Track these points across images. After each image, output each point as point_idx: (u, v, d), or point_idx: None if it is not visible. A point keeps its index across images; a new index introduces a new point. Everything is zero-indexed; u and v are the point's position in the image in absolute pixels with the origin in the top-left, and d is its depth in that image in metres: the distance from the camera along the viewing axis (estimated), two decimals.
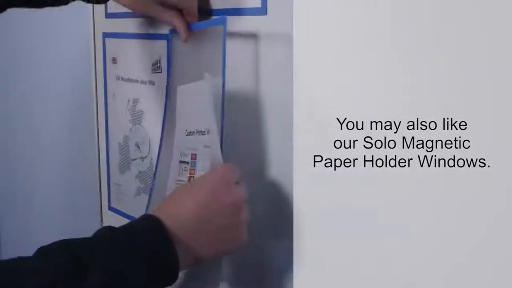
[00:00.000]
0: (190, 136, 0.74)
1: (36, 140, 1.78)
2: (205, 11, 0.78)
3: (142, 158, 0.96)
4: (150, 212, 0.64)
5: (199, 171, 0.72)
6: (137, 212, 0.99)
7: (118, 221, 1.04)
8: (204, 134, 0.71)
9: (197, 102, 0.72)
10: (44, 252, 0.56)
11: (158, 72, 0.89)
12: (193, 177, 0.73)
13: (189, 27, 0.76)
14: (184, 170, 0.75)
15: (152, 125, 0.93)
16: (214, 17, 0.77)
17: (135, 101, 0.96)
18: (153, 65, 0.90)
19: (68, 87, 1.60)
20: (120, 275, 0.56)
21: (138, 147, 0.97)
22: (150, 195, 0.85)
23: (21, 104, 1.82)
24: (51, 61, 1.65)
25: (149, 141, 0.94)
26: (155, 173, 0.84)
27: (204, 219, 0.62)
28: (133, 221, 0.63)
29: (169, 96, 0.82)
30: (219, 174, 0.65)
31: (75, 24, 1.39)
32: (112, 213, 1.07)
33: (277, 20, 0.69)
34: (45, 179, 1.77)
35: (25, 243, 1.87)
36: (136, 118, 0.96)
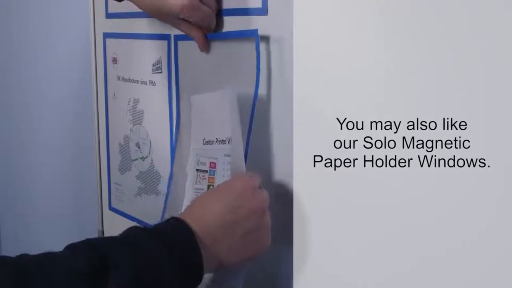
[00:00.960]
0: (209, 145, 0.75)
1: (36, 141, 1.78)
2: None
3: (143, 158, 0.96)
4: (177, 215, 0.64)
5: (219, 180, 0.73)
6: (138, 212, 0.99)
7: (118, 221, 1.05)
8: (225, 143, 0.72)
9: (219, 111, 0.73)
10: (72, 249, 0.57)
11: (159, 72, 0.90)
12: (213, 185, 0.74)
13: (206, 37, 0.78)
14: (203, 178, 0.76)
15: (153, 125, 0.93)
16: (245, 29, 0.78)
17: (136, 101, 0.96)
18: (153, 65, 0.91)
19: (68, 87, 1.60)
20: (144, 274, 0.56)
21: (139, 147, 0.97)
22: (165, 201, 0.86)
23: (21, 104, 1.82)
24: (51, 61, 1.65)
25: (150, 141, 0.94)
26: (170, 180, 0.85)
27: (231, 223, 0.63)
28: (160, 223, 0.63)
29: (180, 103, 0.83)
30: (244, 179, 0.66)
31: (75, 24, 1.40)
32: (112, 213, 1.07)
33: (277, 20, 0.70)
34: (45, 179, 1.77)
35: (25, 243, 1.87)
36: (137, 118, 0.96)
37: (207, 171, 0.75)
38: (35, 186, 1.82)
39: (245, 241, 0.64)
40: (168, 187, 0.89)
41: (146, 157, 0.96)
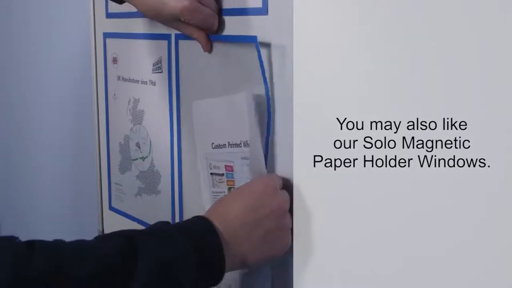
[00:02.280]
0: (219, 149, 0.76)
1: (36, 140, 1.78)
2: None
3: (143, 158, 0.96)
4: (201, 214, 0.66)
5: (240, 182, 0.74)
6: (138, 212, 1.00)
7: (118, 221, 1.05)
8: (240, 146, 0.73)
9: (229, 115, 0.74)
10: (102, 237, 0.60)
11: (159, 72, 0.90)
12: (234, 187, 0.76)
13: (209, 38, 0.78)
14: (220, 182, 0.77)
15: (153, 125, 0.93)
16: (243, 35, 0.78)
17: (136, 101, 0.96)
18: (153, 65, 0.91)
19: (68, 87, 1.60)
20: (170, 265, 0.58)
21: (139, 147, 0.97)
22: (181, 204, 0.88)
23: (21, 104, 1.82)
24: (51, 61, 1.65)
25: (150, 141, 0.94)
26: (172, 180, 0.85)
27: (253, 223, 0.65)
28: (185, 220, 0.65)
29: (180, 104, 0.84)
30: (266, 180, 0.68)
31: (75, 24, 1.40)
32: (112, 213, 1.07)
33: (277, 20, 0.70)
34: (45, 179, 1.77)
35: None
36: (137, 118, 0.96)
37: (223, 174, 0.77)
38: (35, 186, 1.82)
39: (266, 241, 0.65)
40: (172, 187, 0.89)
41: (146, 157, 0.96)
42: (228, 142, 0.75)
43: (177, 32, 0.81)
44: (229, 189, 0.76)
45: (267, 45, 0.71)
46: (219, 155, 0.77)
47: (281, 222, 0.66)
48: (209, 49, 0.78)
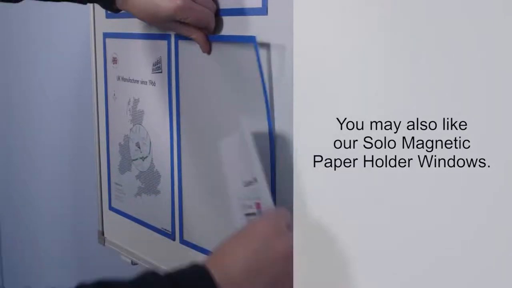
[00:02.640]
0: (248, 186, 0.73)
1: (36, 140, 1.78)
2: None
3: (143, 158, 0.96)
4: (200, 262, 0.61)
5: None
6: (138, 212, 1.00)
7: (118, 221, 1.05)
8: (252, 184, 0.71)
9: (242, 152, 0.72)
10: None
11: (159, 72, 0.90)
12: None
13: (208, 39, 0.77)
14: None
15: (153, 125, 0.93)
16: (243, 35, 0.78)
17: (136, 101, 0.96)
18: (153, 65, 0.91)
19: (68, 87, 1.60)
20: None
21: (139, 147, 0.97)
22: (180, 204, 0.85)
23: (21, 104, 1.82)
24: (51, 61, 1.65)
25: (150, 141, 0.94)
26: (180, 185, 0.84)
27: (254, 271, 0.60)
28: (180, 269, 0.59)
29: (180, 103, 0.83)
30: (271, 221, 0.63)
31: (75, 24, 1.40)
32: (112, 213, 1.07)
33: (277, 20, 0.70)
34: (45, 179, 1.77)
35: (25, 243, 1.87)
36: (137, 118, 0.96)
37: (255, 214, 0.73)
38: (35, 186, 1.82)
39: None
40: (172, 187, 0.89)
41: (146, 157, 0.96)
42: (255, 178, 0.72)
43: None
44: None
45: (267, 46, 0.71)
46: (248, 193, 0.72)
47: (285, 268, 0.61)
48: (208, 49, 0.78)
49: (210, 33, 0.77)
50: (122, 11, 0.81)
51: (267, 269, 0.60)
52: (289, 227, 0.63)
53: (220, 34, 0.78)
